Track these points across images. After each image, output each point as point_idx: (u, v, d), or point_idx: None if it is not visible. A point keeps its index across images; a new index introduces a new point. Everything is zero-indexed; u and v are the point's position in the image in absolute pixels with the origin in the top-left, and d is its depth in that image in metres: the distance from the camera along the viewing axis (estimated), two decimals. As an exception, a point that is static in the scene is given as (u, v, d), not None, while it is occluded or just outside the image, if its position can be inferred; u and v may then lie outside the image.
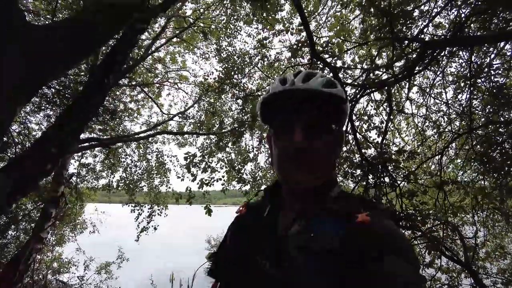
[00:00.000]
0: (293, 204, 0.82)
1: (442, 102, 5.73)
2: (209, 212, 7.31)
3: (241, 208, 0.98)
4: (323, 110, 0.80)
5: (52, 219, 7.14)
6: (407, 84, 5.44)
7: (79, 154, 9.43)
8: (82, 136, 7.38)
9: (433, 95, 5.84)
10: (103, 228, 11.48)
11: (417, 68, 4.12)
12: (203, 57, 10.55)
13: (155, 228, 10.26)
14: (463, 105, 5.23)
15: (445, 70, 5.37)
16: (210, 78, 9.10)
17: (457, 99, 5.71)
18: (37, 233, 6.73)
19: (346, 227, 0.67)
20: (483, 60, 5.02)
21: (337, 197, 0.80)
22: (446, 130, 5.70)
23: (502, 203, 4.89)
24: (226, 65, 7.94)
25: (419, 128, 6.08)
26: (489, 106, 4.81)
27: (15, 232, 8.50)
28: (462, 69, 5.27)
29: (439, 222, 4.09)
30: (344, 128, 0.95)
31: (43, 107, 7.18)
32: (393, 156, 4.07)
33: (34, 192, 7.22)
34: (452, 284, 5.04)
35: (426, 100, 5.85)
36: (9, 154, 6.13)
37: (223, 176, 8.81)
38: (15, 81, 2.47)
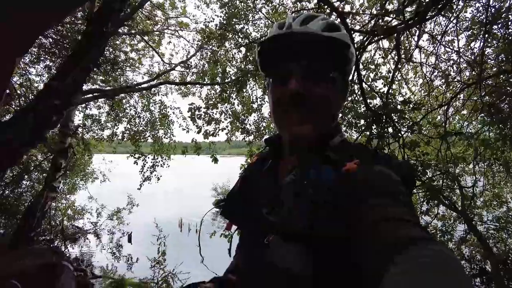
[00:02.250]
0: (291, 153, 0.83)
1: (453, 51, 5.50)
2: (215, 160, 7.53)
3: (254, 158, 0.99)
4: (323, 55, 0.75)
5: (62, 169, 7.36)
6: (418, 31, 5.19)
7: (83, 105, 9.43)
8: (85, 87, 7.31)
9: (444, 43, 5.59)
10: (112, 177, 11.88)
11: (429, 14, 3.89)
12: (204, 1, 10.01)
13: (158, 179, 10.47)
14: (475, 54, 5.04)
15: (460, 15, 5.08)
16: (212, 25, 8.71)
17: (469, 47, 5.48)
18: (49, 183, 7.00)
19: (336, 175, 0.67)
20: (502, 4, 4.71)
21: (337, 146, 0.78)
22: (455, 80, 5.55)
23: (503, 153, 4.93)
24: (228, 10, 7.53)
25: (427, 78, 5.91)
26: (502, 55, 4.63)
27: (28, 181, 8.84)
28: (478, 14, 4.99)
29: (439, 172, 4.17)
30: (349, 77, 0.91)
31: (42, 58, 7.03)
32: (399, 107, 4.03)
33: (42, 143, 7.37)
34: (445, 230, 5.29)
35: (436, 48, 5.62)
36: (13, 106, 6.14)
37: (227, 126, 8.88)
38: (10, 28, 2.38)
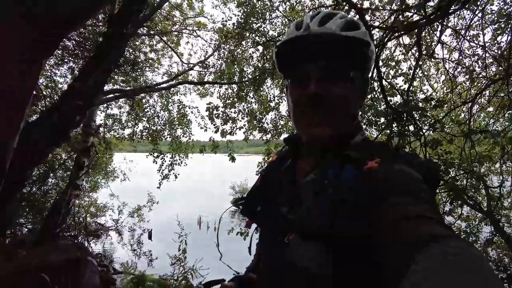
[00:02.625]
0: (309, 153, 0.83)
1: (478, 46, 5.29)
2: (232, 159, 7.60)
3: (273, 156, 1.00)
4: (342, 55, 0.73)
5: (85, 167, 7.59)
6: (440, 26, 5.04)
7: (105, 105, 9.69)
8: (106, 87, 7.51)
9: (468, 38, 5.39)
10: (132, 175, 12.16)
11: (452, 7, 3.76)
12: (222, 1, 10.06)
13: (175, 176, 10.59)
14: (502, 48, 4.84)
15: (486, 8, 4.88)
16: (229, 24, 8.76)
17: (495, 42, 5.27)
18: (73, 181, 7.23)
19: (357, 174, 0.67)
20: (531, -5, 4.51)
21: (359, 144, 0.78)
22: (480, 76, 5.34)
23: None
24: (245, 9, 7.54)
25: (450, 74, 5.71)
26: (531, 49, 4.42)
27: (54, 179, 9.17)
28: (506, 7, 4.79)
29: (463, 171, 4.03)
30: (369, 75, 0.89)
31: (66, 60, 7.27)
32: (420, 104, 3.92)
33: (66, 142, 7.63)
34: (470, 231, 5.11)
35: (460, 43, 5.42)
36: (39, 107, 6.37)
37: (244, 125, 8.92)
38: (36, 31, 2.47)
